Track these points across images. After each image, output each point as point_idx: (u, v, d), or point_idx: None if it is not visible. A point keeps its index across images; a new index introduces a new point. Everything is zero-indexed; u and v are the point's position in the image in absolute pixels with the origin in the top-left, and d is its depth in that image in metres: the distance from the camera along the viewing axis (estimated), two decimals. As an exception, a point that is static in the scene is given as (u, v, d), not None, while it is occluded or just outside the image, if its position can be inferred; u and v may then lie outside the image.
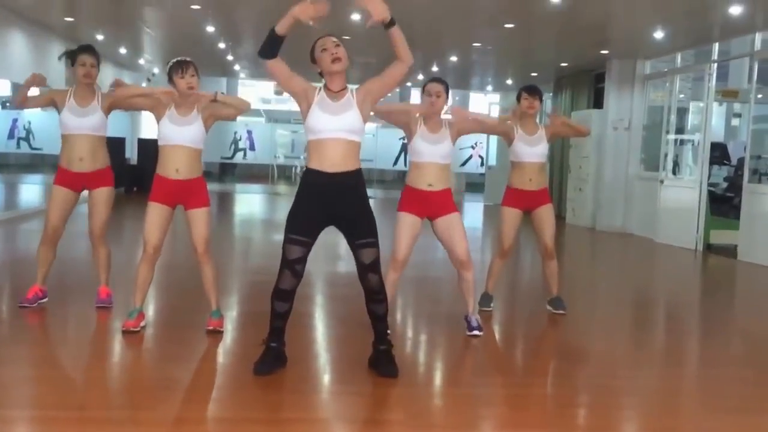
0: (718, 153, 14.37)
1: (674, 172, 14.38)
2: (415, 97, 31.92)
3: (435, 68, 17.84)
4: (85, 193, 6.38)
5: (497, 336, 6.41)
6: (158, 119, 5.74)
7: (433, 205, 5.97)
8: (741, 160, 13.33)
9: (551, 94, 18.87)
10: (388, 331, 5.25)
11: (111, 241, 6.56)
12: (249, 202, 20.84)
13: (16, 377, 4.84)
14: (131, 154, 20.69)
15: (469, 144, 24.72)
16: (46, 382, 4.82)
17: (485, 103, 26.55)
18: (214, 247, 6.05)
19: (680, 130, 14.90)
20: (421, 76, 20.35)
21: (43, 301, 6.42)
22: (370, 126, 18.77)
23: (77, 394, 4.65)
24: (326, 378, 5.13)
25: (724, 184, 14.74)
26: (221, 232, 12.25)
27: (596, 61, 15.75)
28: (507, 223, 6.92)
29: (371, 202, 5.04)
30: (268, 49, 4.67)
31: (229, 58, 18.51)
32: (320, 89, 4.87)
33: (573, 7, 10.90)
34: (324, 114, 4.77)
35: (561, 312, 7.02)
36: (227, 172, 28.99)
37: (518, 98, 6.96)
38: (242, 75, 24.71)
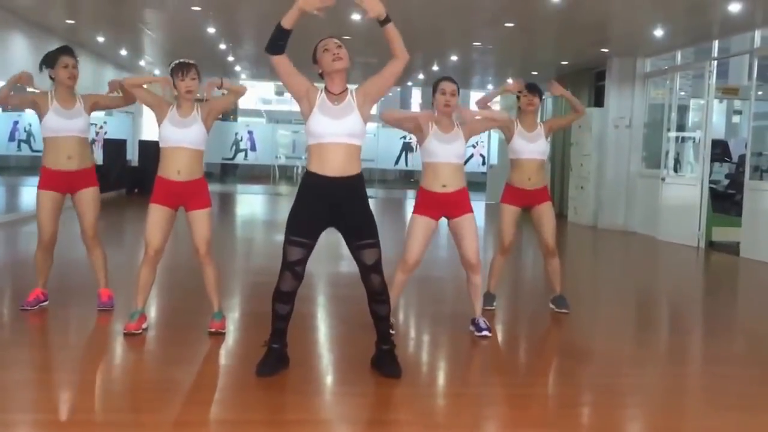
0: (719, 150, 14.35)
1: (676, 170, 14.37)
2: (416, 96, 31.92)
3: (435, 67, 17.83)
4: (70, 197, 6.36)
5: (500, 335, 6.40)
6: (159, 121, 5.73)
7: (449, 207, 5.95)
8: (742, 157, 13.31)
9: (547, 93, 18.81)
10: (392, 331, 5.25)
11: (113, 244, 6.57)
12: (250, 203, 20.83)
13: (18, 380, 4.83)
14: (132, 155, 20.68)
15: (470, 143, 24.66)
16: (48, 386, 4.82)
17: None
18: (216, 249, 6.04)
19: (681, 127, 14.90)
20: (421, 75, 20.37)
21: (44, 303, 6.41)
22: (371, 126, 18.78)
23: (79, 397, 4.65)
24: (329, 379, 5.13)
25: (726, 182, 14.72)
26: (223, 234, 12.25)
27: (596, 59, 15.74)
28: (506, 220, 6.91)
29: (372, 201, 5.03)
30: (275, 44, 4.66)
31: (230, 59, 18.51)
32: (321, 92, 4.85)
33: (573, 5, 10.89)
34: (325, 118, 4.76)
35: (564, 311, 7.01)
36: (228, 172, 28.98)
37: (518, 96, 6.97)
38: (243, 76, 24.67)
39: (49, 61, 6.21)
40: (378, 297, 4.93)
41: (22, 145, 22.62)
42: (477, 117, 6.17)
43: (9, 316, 6.43)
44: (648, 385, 5.20)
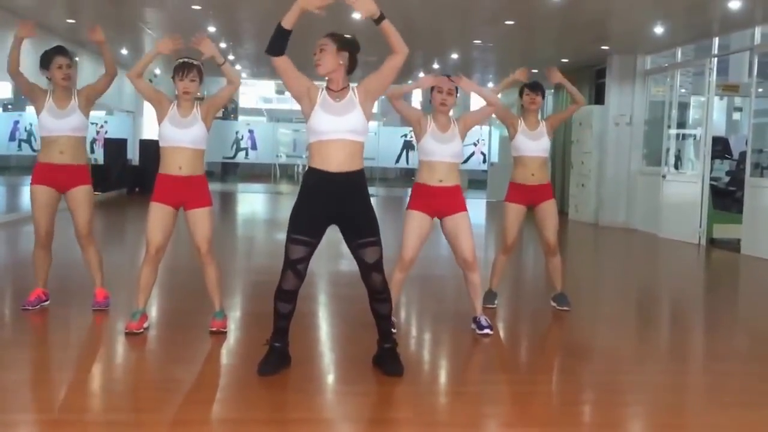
0: (720, 147, 14.35)
1: (676, 167, 14.37)
2: (416, 95, 31.91)
3: (436, 65, 17.83)
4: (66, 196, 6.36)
5: (502, 333, 6.40)
6: (160, 119, 5.72)
7: (443, 202, 5.94)
8: (743, 154, 13.31)
9: (552, 90, 18.86)
10: (393, 330, 5.25)
11: (113, 243, 6.57)
12: (251, 202, 20.84)
13: (19, 380, 4.83)
14: (133, 155, 20.70)
15: (471, 141, 24.67)
16: (49, 385, 4.82)
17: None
18: (217, 248, 6.04)
19: (682, 124, 14.90)
20: (422, 74, 20.34)
21: (45, 303, 6.41)
22: (372, 124, 18.79)
23: (80, 396, 4.65)
24: (331, 377, 5.13)
25: (726, 178, 14.72)
26: (224, 232, 12.26)
27: (597, 56, 15.75)
28: (510, 218, 6.91)
29: (373, 200, 5.03)
30: (276, 44, 4.65)
31: (231, 57, 18.50)
32: (322, 89, 4.86)
33: (573, 3, 10.90)
34: (327, 115, 4.76)
35: (565, 309, 7.01)
36: (229, 171, 29.00)
37: (520, 94, 6.98)
38: (243, 75, 24.66)
39: (44, 62, 6.22)
40: (379, 296, 4.93)
41: (23, 144, 22.64)
42: (475, 89, 6.11)
43: (10, 316, 6.44)
44: (649, 382, 5.21)
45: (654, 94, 15.75)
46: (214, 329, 5.83)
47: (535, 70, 18.08)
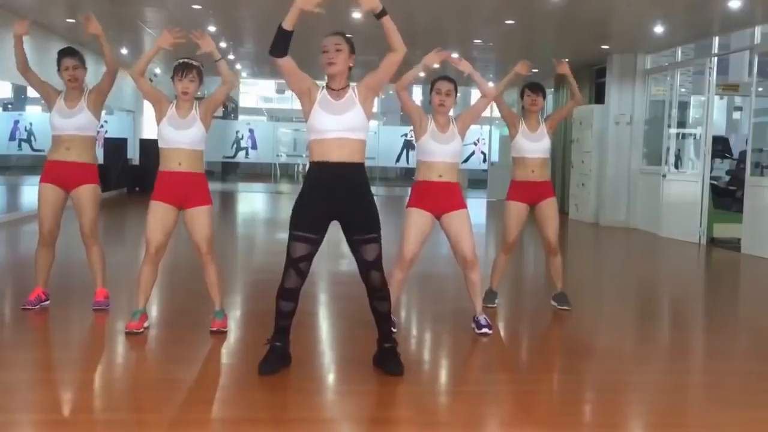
0: (720, 146, 14.37)
1: (676, 166, 14.37)
2: (417, 94, 31.89)
3: (436, 65, 17.79)
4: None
5: (502, 333, 6.40)
6: (158, 119, 5.72)
7: (443, 197, 5.93)
8: (743, 154, 13.32)
9: (552, 89, 18.85)
10: (393, 329, 5.25)
11: (113, 243, 6.57)
12: (251, 201, 20.85)
13: (19, 380, 4.82)
14: (133, 154, 20.69)
15: (471, 140, 24.68)
16: (49, 385, 4.83)
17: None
18: (217, 247, 6.04)
19: (682, 124, 14.89)
20: (422, 73, 20.31)
21: (45, 303, 6.41)
22: (373, 123, 18.78)
23: (81, 396, 4.65)
24: (331, 377, 5.13)
25: (727, 178, 14.73)
26: (224, 232, 12.26)
27: (597, 56, 15.74)
28: (511, 217, 6.91)
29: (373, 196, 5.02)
30: (278, 46, 4.66)
31: (231, 57, 18.50)
32: (322, 88, 4.87)
33: (573, 2, 10.90)
34: (326, 114, 4.77)
35: (565, 308, 7.01)
36: (229, 171, 28.99)
37: (521, 95, 6.97)
38: (243, 74, 24.67)
39: (56, 64, 6.28)
40: (378, 294, 4.93)
41: (23, 144, 22.63)
42: (471, 70, 6.09)
43: (10, 316, 6.44)
44: (650, 382, 5.21)
45: (654, 94, 15.75)
46: (215, 329, 5.83)
47: (536, 70, 18.16)
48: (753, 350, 6.27)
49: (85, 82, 6.39)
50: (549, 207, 6.92)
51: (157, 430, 4.05)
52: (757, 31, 12.17)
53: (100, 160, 6.66)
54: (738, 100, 18.69)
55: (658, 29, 12.61)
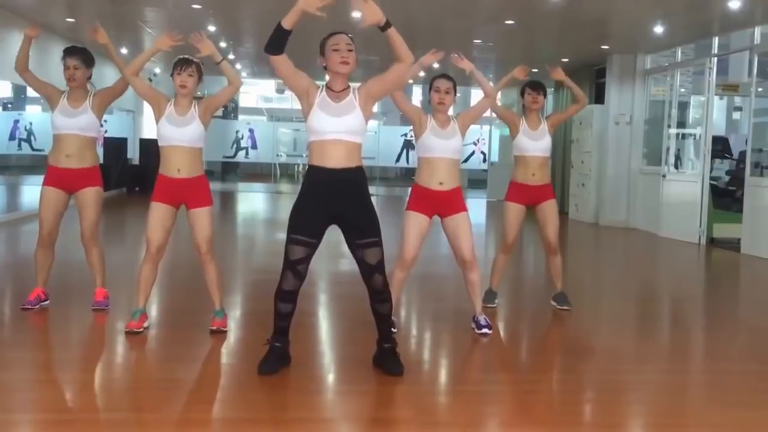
0: (720, 146, 14.35)
1: (676, 166, 14.37)
2: (417, 94, 31.90)
3: (436, 65, 17.78)
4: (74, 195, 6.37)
5: (502, 333, 6.40)
6: (157, 118, 5.73)
7: (443, 205, 5.93)
8: (742, 154, 13.31)
9: (552, 89, 18.86)
10: (393, 330, 5.25)
11: (113, 242, 6.56)
12: (251, 201, 20.85)
13: (19, 380, 4.82)
14: (133, 154, 20.69)
15: (471, 140, 24.69)
16: (49, 385, 4.83)
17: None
18: (217, 247, 6.04)
19: (682, 124, 14.89)
20: (422, 73, 20.31)
21: (45, 303, 6.41)
22: (372, 123, 18.77)
23: (81, 396, 4.65)
24: (331, 377, 5.13)
25: (726, 178, 14.72)
26: (224, 232, 12.25)
27: (597, 56, 15.74)
28: (510, 218, 6.91)
29: (373, 199, 5.02)
30: (275, 44, 4.65)
31: (231, 57, 18.50)
32: (322, 88, 4.86)
33: (573, 2, 10.90)
34: (325, 115, 4.76)
35: (565, 308, 7.01)
36: (229, 171, 28.98)
37: (522, 94, 6.97)
38: (243, 74, 24.65)
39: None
40: (380, 296, 4.93)
41: (23, 144, 22.62)
42: (472, 68, 6.10)
43: (10, 315, 6.44)
44: (650, 382, 5.21)
45: (654, 94, 15.75)
46: (215, 328, 5.83)
47: (535, 70, 18.13)
48: (752, 350, 6.28)
49: (91, 83, 6.39)
50: (549, 207, 6.92)
51: (157, 429, 4.05)
52: (757, 31, 12.17)
53: (101, 160, 6.64)
54: (738, 101, 18.68)
55: (658, 29, 12.61)
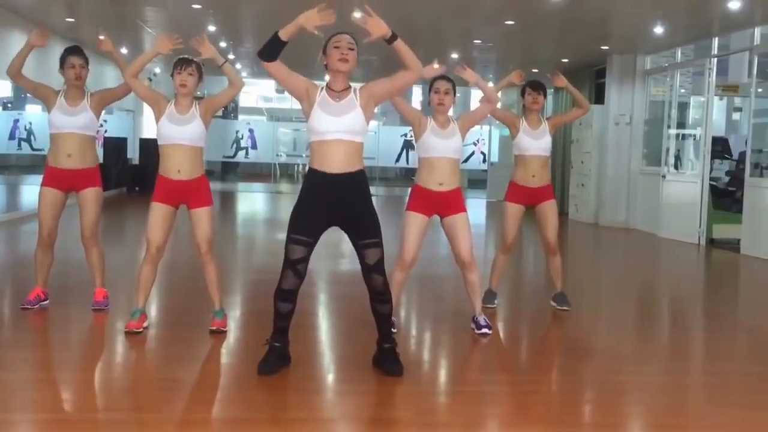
0: (720, 147, 14.35)
1: (676, 167, 14.37)
2: (416, 94, 31.90)
3: (435, 65, 17.77)
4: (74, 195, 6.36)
5: (502, 333, 6.40)
6: (157, 118, 5.72)
7: (443, 205, 5.94)
8: (742, 154, 13.31)
9: (552, 90, 18.86)
10: (393, 330, 5.25)
11: (113, 242, 6.56)
12: (251, 201, 20.84)
13: (18, 380, 4.82)
14: (133, 154, 20.69)
15: (471, 140, 24.68)
16: (49, 385, 4.83)
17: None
18: (217, 247, 6.04)
19: (681, 124, 14.90)
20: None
21: (44, 302, 6.41)
22: (372, 124, 18.75)
23: (80, 396, 4.65)
24: (331, 377, 5.13)
25: (726, 179, 14.72)
26: (224, 232, 12.24)
27: (597, 56, 15.75)
28: (509, 218, 6.91)
29: (373, 199, 5.02)
30: (269, 51, 4.66)
31: (231, 56, 18.50)
32: (322, 89, 4.86)
33: (573, 3, 10.90)
34: (325, 115, 4.76)
35: (565, 308, 7.01)
36: (229, 170, 28.98)
37: (522, 93, 6.97)
38: (243, 74, 24.63)
39: (60, 62, 6.28)
40: (380, 297, 4.93)
41: (23, 143, 22.62)
42: (476, 78, 6.11)
43: (9, 315, 6.44)
44: (649, 382, 5.21)
45: (654, 94, 15.75)
46: (214, 328, 5.83)
47: (536, 70, 18.17)
48: (752, 351, 6.28)
49: (86, 83, 6.40)
50: (549, 208, 6.92)
51: (156, 429, 4.06)
52: (757, 31, 12.16)
53: (100, 160, 6.64)
54: (737, 101, 18.68)
55: (658, 30, 12.61)
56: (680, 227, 13.19)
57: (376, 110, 5.19)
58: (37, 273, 6.38)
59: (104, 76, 16.40)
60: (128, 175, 19.42)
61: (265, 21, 12.83)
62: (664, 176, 13.90)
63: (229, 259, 9.30)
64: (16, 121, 22.52)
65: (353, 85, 4.90)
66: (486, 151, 23.58)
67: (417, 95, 31.65)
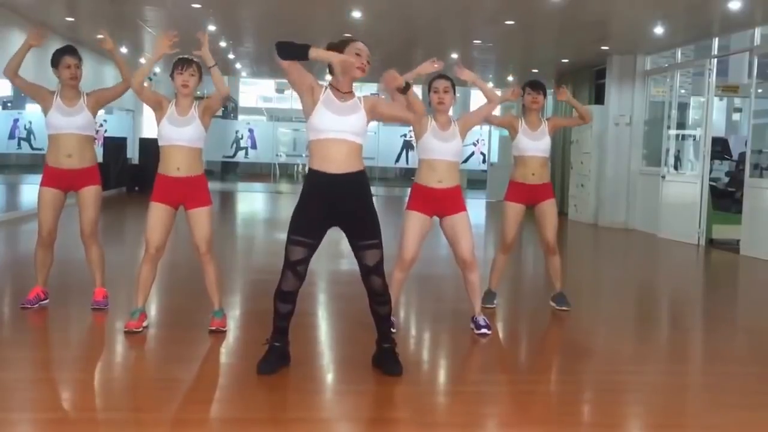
0: (719, 148, 14.36)
1: (676, 167, 14.37)
2: (417, 93, 31.95)
3: (435, 65, 17.77)
4: (73, 194, 6.36)
5: (501, 333, 6.41)
6: (158, 119, 5.73)
7: (443, 203, 5.93)
8: (742, 155, 13.32)
9: (552, 90, 18.85)
10: (392, 330, 5.25)
11: (113, 242, 6.56)
12: (251, 201, 20.85)
13: (18, 379, 4.83)
14: (133, 153, 20.70)
15: (471, 141, 24.66)
16: (48, 384, 4.84)
17: (486, 99, 26.56)
18: (216, 247, 6.04)
19: (681, 125, 14.90)
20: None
21: (44, 302, 6.41)
22: (372, 124, 18.71)
23: (80, 395, 4.65)
24: (330, 377, 5.13)
25: (726, 179, 14.73)
26: (223, 232, 12.25)
27: (597, 57, 15.75)
28: (509, 218, 6.91)
29: (374, 200, 5.03)
30: (290, 55, 4.66)
31: (230, 56, 18.50)
32: (326, 87, 4.85)
33: (573, 3, 10.90)
34: (329, 113, 4.76)
35: (564, 308, 7.01)
36: (229, 170, 28.99)
37: (522, 93, 6.97)
38: (243, 74, 24.70)
39: (53, 62, 6.26)
40: (379, 298, 4.93)
41: (22, 143, 22.61)
42: (475, 80, 6.11)
43: (9, 315, 6.44)
44: (648, 383, 5.22)
45: (654, 95, 15.76)
46: (214, 328, 5.83)
47: (535, 70, 18.20)
48: (751, 352, 6.28)
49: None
50: (548, 207, 6.92)
51: (155, 429, 4.06)
52: (757, 32, 12.17)
53: (99, 159, 6.65)
54: (737, 102, 18.69)
55: (658, 30, 12.62)
56: (680, 228, 13.20)
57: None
58: (37, 272, 6.39)
59: (104, 75, 16.43)
60: (128, 174, 19.43)
61: (264, 20, 12.87)
62: (663, 177, 13.91)
63: (228, 259, 9.31)
64: (16, 120, 22.51)
65: (357, 95, 4.93)
66: (486, 152, 23.57)
67: (416, 95, 31.72)
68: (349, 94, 4.87)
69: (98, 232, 6.46)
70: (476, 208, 18.76)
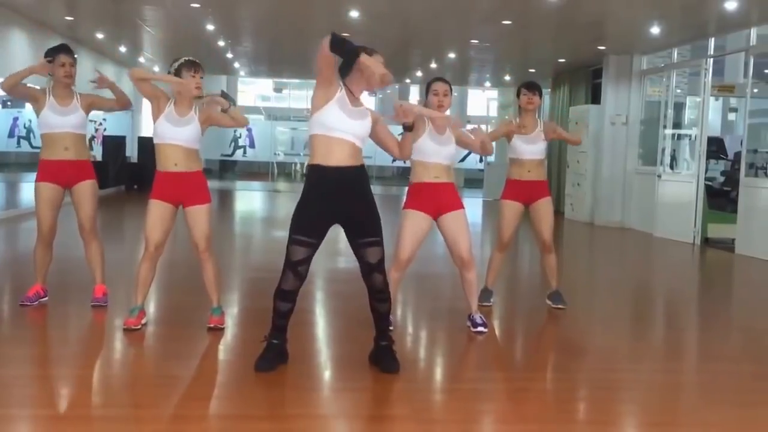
0: (715, 147, 14.40)
1: (672, 167, 14.41)
2: (414, 93, 31.92)
3: (433, 65, 17.84)
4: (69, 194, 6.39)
5: (497, 331, 6.44)
6: (155, 116, 5.74)
7: (440, 199, 5.94)
8: (738, 155, 13.36)
9: (549, 90, 18.91)
10: (390, 327, 5.29)
11: (112, 240, 6.59)
12: (249, 200, 20.85)
13: (17, 376, 4.86)
14: (131, 152, 20.71)
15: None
16: (47, 381, 4.86)
17: (483, 99, 26.64)
18: (215, 245, 6.07)
19: (677, 124, 14.93)
20: (419, 73, 20.36)
21: (43, 299, 6.44)
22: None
23: (78, 392, 4.69)
24: (327, 374, 5.16)
25: (721, 178, 14.77)
26: (222, 230, 12.28)
27: (593, 56, 15.79)
28: (506, 216, 6.94)
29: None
30: (340, 52, 4.63)
31: (229, 55, 18.51)
32: (342, 88, 4.86)
33: (570, 3, 10.93)
34: (341, 113, 4.76)
35: (560, 307, 7.05)
36: (227, 169, 29.01)
37: (518, 94, 7.00)
38: (242, 73, 24.70)
39: (48, 59, 6.26)
40: (379, 295, 4.97)
41: (22, 141, 22.62)
42: (462, 131, 6.15)
43: (8, 312, 6.46)
44: (643, 380, 5.25)
45: (650, 95, 15.80)
46: (212, 326, 5.86)
47: (532, 70, 18.22)
48: (746, 350, 6.31)
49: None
50: (544, 206, 6.96)
51: (154, 426, 4.09)
52: (753, 32, 12.20)
53: (99, 158, 6.70)
54: (733, 102, 18.74)
55: (655, 30, 12.67)
56: (675, 227, 13.24)
57: (374, 108, 5.25)
58: (36, 270, 6.41)
59: (103, 73, 16.35)
60: (127, 173, 19.44)
61: (263, 20, 12.90)
62: (659, 176, 13.95)
63: (227, 257, 9.32)
64: (16, 119, 22.52)
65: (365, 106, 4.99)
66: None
67: (414, 95, 31.70)
68: (359, 100, 4.92)
69: (97, 227, 6.49)
70: (473, 207, 18.76)
